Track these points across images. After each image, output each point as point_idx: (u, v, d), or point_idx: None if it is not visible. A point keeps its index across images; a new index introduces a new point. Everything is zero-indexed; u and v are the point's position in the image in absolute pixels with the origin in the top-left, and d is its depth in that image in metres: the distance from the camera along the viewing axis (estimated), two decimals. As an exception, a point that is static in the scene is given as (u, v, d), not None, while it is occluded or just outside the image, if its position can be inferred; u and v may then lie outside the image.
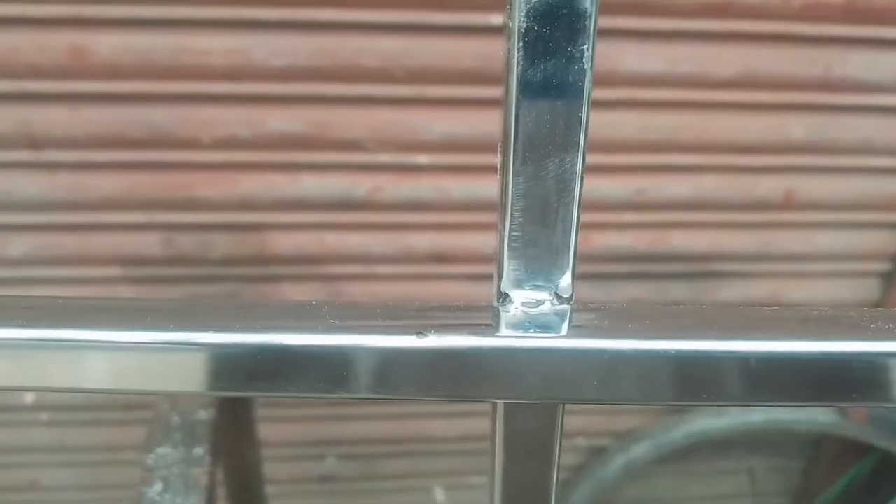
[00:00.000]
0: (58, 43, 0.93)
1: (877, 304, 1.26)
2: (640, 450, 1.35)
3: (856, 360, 0.27)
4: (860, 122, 1.09)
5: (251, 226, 1.09)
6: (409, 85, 0.98)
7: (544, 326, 0.29)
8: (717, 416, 1.33)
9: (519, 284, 0.29)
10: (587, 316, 0.29)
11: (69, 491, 1.36)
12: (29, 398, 1.26)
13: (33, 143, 0.99)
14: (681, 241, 1.17)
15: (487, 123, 1.02)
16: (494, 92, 1.00)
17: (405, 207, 1.08)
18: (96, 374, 0.28)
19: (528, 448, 0.32)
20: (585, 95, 0.26)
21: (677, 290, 1.22)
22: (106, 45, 0.93)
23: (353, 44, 0.95)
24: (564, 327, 0.29)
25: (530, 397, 0.29)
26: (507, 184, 0.27)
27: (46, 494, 1.36)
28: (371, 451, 1.39)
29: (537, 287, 0.29)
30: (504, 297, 0.29)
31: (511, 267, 0.29)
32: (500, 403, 0.31)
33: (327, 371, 0.28)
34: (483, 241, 1.13)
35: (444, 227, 1.12)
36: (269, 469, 1.22)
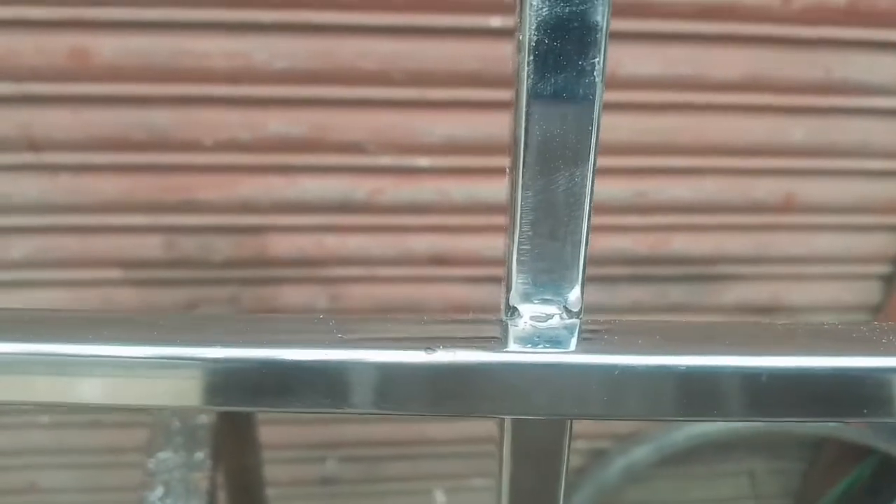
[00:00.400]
0: (58, 45, 0.92)
1: (877, 307, 1.26)
2: (640, 452, 1.35)
3: (867, 376, 0.27)
4: (861, 125, 1.08)
5: (252, 228, 1.09)
6: (409, 87, 0.98)
7: (553, 341, 0.28)
8: (718, 418, 1.33)
9: (527, 298, 0.29)
10: (596, 330, 0.29)
11: (68, 493, 1.36)
12: (28, 400, 1.25)
13: (34, 146, 0.99)
14: (681, 243, 1.17)
15: (488, 126, 1.02)
16: (495, 94, 0.99)
17: (406, 210, 1.08)
18: (105, 389, 0.28)
19: (536, 462, 0.32)
20: (596, 109, 0.25)
21: (677, 293, 1.21)
22: (107, 47, 0.93)
23: (353, 46, 0.95)
24: (573, 342, 0.28)
25: (539, 413, 0.29)
26: (516, 197, 0.27)
27: (45, 497, 1.36)
28: (372, 453, 1.39)
29: (546, 301, 0.29)
30: (512, 311, 0.29)
31: (520, 280, 0.29)
32: (507, 418, 0.31)
33: (334, 387, 0.28)
34: (483, 244, 1.13)
35: (445, 230, 1.11)
36: (270, 472, 1.22)
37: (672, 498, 1.53)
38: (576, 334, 0.29)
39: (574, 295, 0.29)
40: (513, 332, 0.29)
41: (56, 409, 1.25)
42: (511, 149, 0.27)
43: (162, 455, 0.87)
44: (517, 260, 0.28)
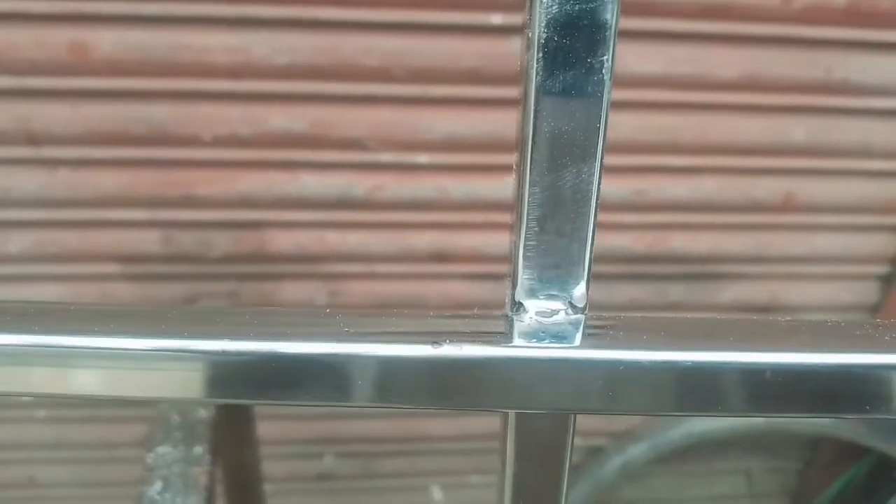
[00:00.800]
0: (58, 39, 0.92)
1: (875, 307, 1.26)
2: (637, 450, 1.35)
3: (870, 372, 0.27)
4: (860, 126, 1.09)
5: (251, 224, 1.09)
6: (410, 84, 0.98)
7: (558, 336, 0.28)
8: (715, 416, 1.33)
9: (533, 293, 0.29)
10: (601, 326, 0.29)
11: (67, 487, 1.36)
12: (26, 395, 1.25)
13: (33, 140, 0.98)
14: (680, 242, 1.17)
15: (488, 123, 1.02)
16: (496, 92, 1.00)
17: (406, 206, 1.08)
18: (113, 381, 0.28)
19: (539, 456, 0.32)
20: (604, 106, 0.26)
21: (676, 292, 1.22)
22: (106, 41, 0.93)
23: (354, 42, 0.95)
24: (578, 337, 0.29)
25: (543, 407, 0.29)
26: (523, 193, 0.27)
27: (44, 491, 1.36)
28: (369, 449, 1.39)
29: (551, 296, 0.29)
30: (518, 307, 0.29)
31: (525, 276, 0.29)
32: (511, 413, 0.31)
33: (340, 380, 0.28)
34: (483, 241, 1.13)
35: (445, 227, 1.11)
36: (268, 467, 1.22)
37: (669, 496, 1.53)
38: (581, 330, 0.29)
39: (579, 291, 0.29)
40: (518, 327, 0.29)
41: (57, 401, 1.25)
42: (518, 145, 0.27)
43: (161, 450, 0.87)
44: (523, 256, 0.28)
